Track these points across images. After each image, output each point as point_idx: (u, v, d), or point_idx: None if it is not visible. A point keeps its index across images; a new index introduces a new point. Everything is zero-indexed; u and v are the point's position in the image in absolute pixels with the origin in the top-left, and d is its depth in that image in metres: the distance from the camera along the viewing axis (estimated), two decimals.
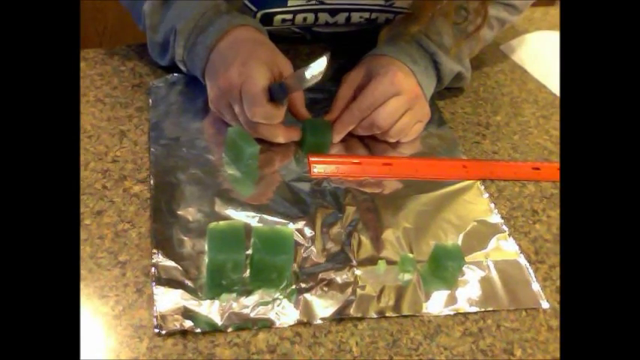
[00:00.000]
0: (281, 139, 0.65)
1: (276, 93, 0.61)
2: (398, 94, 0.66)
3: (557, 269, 0.60)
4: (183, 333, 0.49)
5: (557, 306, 0.57)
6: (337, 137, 0.68)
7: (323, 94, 0.73)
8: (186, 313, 0.50)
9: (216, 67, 0.65)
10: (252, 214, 0.59)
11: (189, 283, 0.52)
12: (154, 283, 0.52)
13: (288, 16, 0.74)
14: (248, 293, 0.52)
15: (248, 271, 0.53)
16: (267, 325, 0.51)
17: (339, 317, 0.52)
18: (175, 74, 0.73)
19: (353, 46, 0.76)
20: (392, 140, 0.69)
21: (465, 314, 0.55)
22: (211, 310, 0.51)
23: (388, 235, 0.59)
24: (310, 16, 0.74)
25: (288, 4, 0.72)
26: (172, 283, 0.52)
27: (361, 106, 0.66)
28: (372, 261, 0.57)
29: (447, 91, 0.78)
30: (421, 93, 0.69)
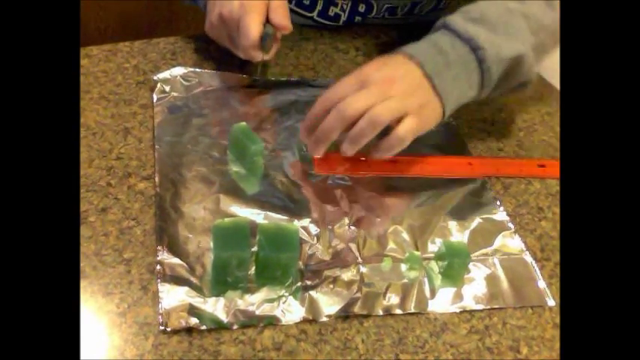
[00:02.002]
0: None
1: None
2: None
3: None
4: (189, 330, 0.49)
5: None
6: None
7: None
8: (192, 311, 0.50)
9: None
10: (257, 211, 0.59)
11: (194, 280, 0.52)
12: (159, 281, 0.52)
13: None
14: (253, 291, 0.52)
15: (253, 268, 0.53)
16: (272, 322, 0.51)
17: (345, 315, 0.52)
18: (179, 68, 0.73)
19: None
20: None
21: (471, 312, 0.55)
22: (217, 307, 0.51)
23: (394, 232, 0.59)
24: None
25: None
26: (177, 280, 0.52)
27: (330, 97, 0.59)
28: (377, 258, 0.57)
29: None
30: (426, 97, 0.60)
